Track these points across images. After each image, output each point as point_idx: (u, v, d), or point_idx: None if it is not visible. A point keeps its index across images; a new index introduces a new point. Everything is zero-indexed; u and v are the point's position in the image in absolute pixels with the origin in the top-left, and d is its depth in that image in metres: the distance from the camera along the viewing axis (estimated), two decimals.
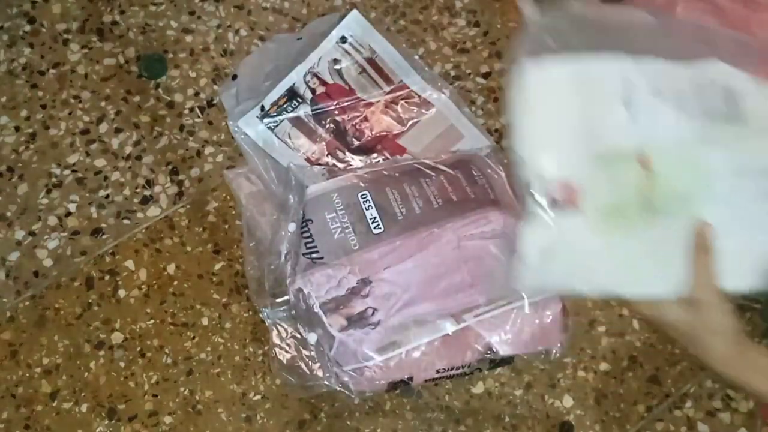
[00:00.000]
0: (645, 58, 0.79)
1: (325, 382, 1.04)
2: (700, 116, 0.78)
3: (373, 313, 1.03)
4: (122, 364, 1.31)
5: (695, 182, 0.77)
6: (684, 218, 0.76)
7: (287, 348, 1.08)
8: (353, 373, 1.03)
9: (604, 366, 1.31)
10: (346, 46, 1.12)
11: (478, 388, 1.30)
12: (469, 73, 1.58)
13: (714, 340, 0.75)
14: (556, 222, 0.74)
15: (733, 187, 0.77)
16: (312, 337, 1.05)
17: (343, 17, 1.12)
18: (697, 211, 0.76)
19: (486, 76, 1.58)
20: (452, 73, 1.58)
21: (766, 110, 0.79)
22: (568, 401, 1.29)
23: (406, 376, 1.05)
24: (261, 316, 1.04)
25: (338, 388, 1.04)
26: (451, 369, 1.06)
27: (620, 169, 0.75)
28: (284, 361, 1.07)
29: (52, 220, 1.43)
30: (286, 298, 1.04)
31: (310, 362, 1.08)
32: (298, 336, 1.06)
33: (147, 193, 1.46)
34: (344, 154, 1.14)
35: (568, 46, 0.79)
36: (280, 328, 1.07)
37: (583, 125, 0.76)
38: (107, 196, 1.46)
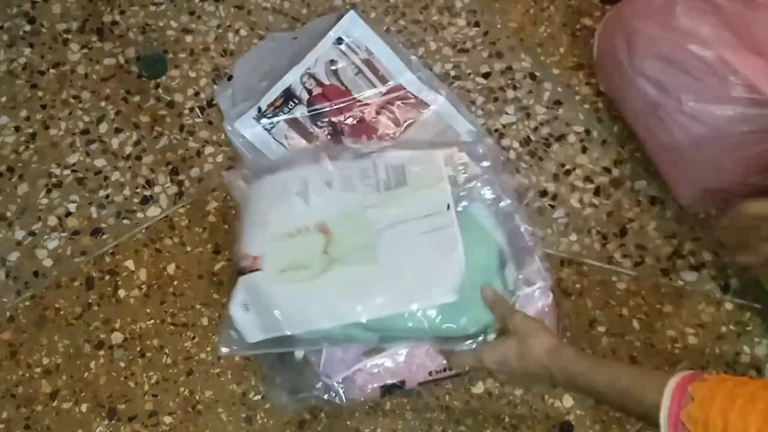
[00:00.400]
0: (325, 162, 1.09)
1: (316, 393, 1.04)
2: (364, 190, 1.06)
3: None
4: (122, 364, 1.32)
5: (367, 236, 1.02)
6: (365, 262, 1.01)
7: (275, 363, 1.08)
8: (344, 382, 1.04)
9: None
10: (342, 47, 1.12)
11: (478, 388, 1.30)
12: (469, 73, 1.58)
13: (541, 354, 0.92)
14: (246, 284, 1.01)
15: (399, 232, 1.02)
16: (299, 353, 1.05)
17: (339, 18, 1.12)
18: (375, 255, 1.01)
19: (486, 76, 1.58)
20: (452, 73, 1.58)
21: (421, 173, 1.08)
22: (568, 401, 1.29)
23: (397, 381, 1.05)
24: None
25: (329, 397, 1.04)
26: (445, 370, 1.06)
27: (304, 239, 1.03)
28: (273, 377, 1.07)
29: (52, 220, 1.43)
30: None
31: (298, 375, 1.08)
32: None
33: (147, 193, 1.46)
34: None
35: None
36: None
37: (273, 215, 1.05)
38: (107, 196, 1.46)
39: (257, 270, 1.00)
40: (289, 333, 1.00)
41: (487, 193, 1.09)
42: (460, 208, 1.05)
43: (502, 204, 1.08)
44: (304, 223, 1.04)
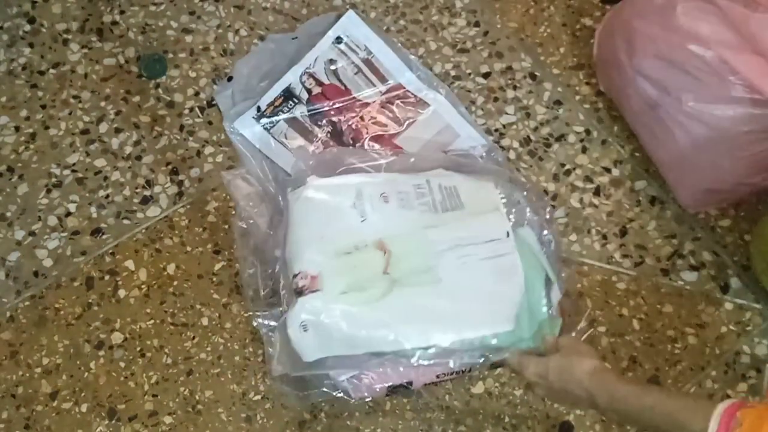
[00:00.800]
0: (378, 174, 1.08)
1: (324, 390, 1.04)
2: (422, 209, 1.05)
3: None
4: (122, 364, 1.32)
5: (428, 257, 1.01)
6: (428, 285, 1.00)
7: (283, 357, 1.08)
8: (353, 380, 1.03)
9: None
10: (341, 46, 1.12)
11: (478, 388, 1.30)
12: (469, 73, 1.58)
13: (583, 375, 0.92)
14: (305, 305, 0.98)
15: (460, 256, 1.01)
16: None
17: (339, 18, 1.12)
18: (437, 278, 1.00)
19: (486, 76, 1.58)
20: (452, 73, 1.58)
21: (476, 199, 1.07)
22: None
23: (405, 381, 1.04)
24: (254, 324, 1.05)
25: (336, 395, 1.04)
26: (451, 373, 1.06)
27: (362, 257, 1.01)
28: (281, 371, 1.07)
29: (52, 220, 1.43)
30: (281, 309, 1.04)
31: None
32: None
33: (147, 193, 1.46)
34: None
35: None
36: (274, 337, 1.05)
37: (326, 230, 1.03)
38: (107, 196, 1.46)
39: (317, 291, 0.99)
40: (348, 354, 1.00)
41: (533, 219, 1.10)
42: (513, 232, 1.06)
43: (545, 232, 1.10)
44: (362, 240, 1.02)
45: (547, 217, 1.12)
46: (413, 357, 1.00)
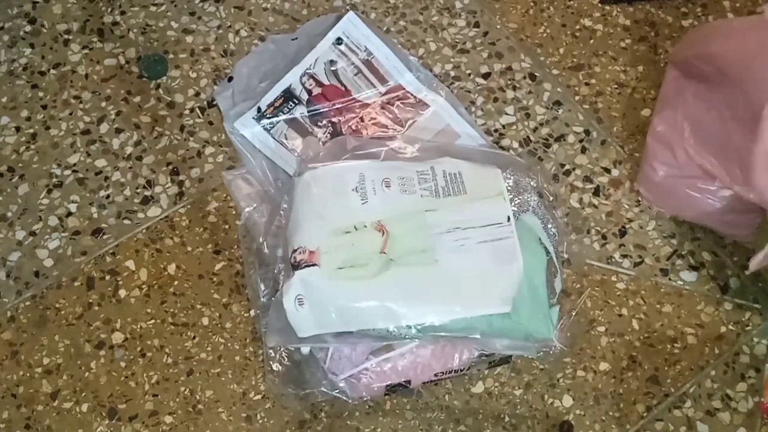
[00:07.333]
0: (384, 161, 1.12)
1: (322, 389, 1.04)
2: (423, 194, 1.08)
3: None
4: (123, 364, 1.32)
5: (426, 239, 1.04)
6: (424, 265, 1.02)
7: (281, 358, 1.08)
8: (351, 380, 1.04)
9: (603, 366, 1.31)
10: (342, 47, 1.13)
11: (478, 388, 1.30)
12: (469, 74, 1.58)
13: None
14: (301, 278, 1.00)
15: (458, 238, 1.04)
16: (305, 349, 1.05)
17: (338, 19, 1.12)
18: (434, 258, 1.02)
19: (486, 76, 1.58)
20: (452, 73, 1.58)
21: (480, 184, 1.10)
22: (567, 401, 1.29)
23: (403, 380, 1.05)
24: (257, 326, 1.04)
25: (335, 394, 1.04)
26: (450, 372, 1.06)
27: (361, 236, 1.03)
28: (279, 371, 1.07)
29: (53, 221, 1.44)
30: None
31: (304, 371, 1.08)
32: (291, 347, 1.06)
33: (147, 193, 1.46)
34: None
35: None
36: None
37: (326, 209, 1.06)
38: (108, 197, 1.46)
39: (314, 265, 1.00)
40: (342, 330, 1.01)
41: (538, 209, 1.11)
42: (516, 218, 1.08)
43: (550, 225, 1.10)
44: (361, 220, 1.05)
45: (555, 212, 1.13)
46: (406, 335, 1.01)
